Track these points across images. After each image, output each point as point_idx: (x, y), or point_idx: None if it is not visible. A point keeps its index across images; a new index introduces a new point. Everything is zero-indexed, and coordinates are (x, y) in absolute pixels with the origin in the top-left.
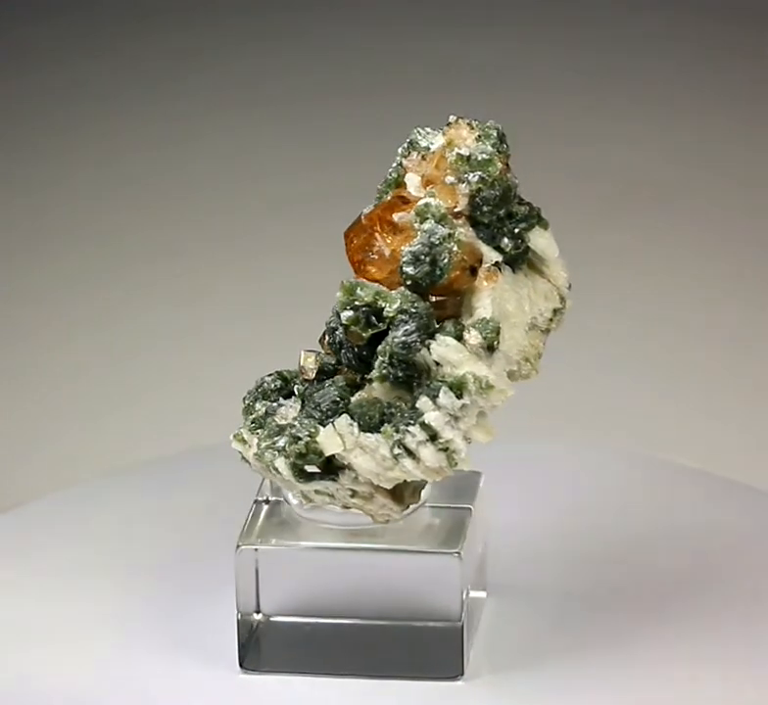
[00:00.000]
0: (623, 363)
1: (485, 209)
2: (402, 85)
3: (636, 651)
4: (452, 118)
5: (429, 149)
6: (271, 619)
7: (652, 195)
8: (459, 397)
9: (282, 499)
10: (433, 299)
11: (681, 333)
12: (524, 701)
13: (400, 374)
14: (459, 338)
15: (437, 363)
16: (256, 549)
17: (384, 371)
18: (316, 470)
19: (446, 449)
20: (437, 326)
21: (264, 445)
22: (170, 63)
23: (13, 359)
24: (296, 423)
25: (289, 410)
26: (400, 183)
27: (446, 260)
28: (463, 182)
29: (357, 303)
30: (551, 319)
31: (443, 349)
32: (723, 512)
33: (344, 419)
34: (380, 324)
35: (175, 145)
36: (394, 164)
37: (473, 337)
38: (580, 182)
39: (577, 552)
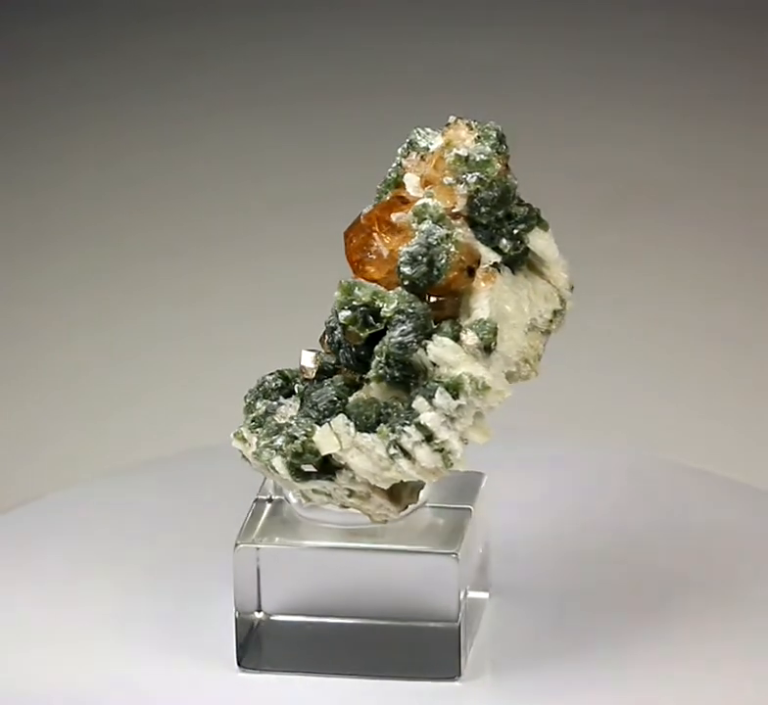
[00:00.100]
0: (623, 363)
1: (483, 210)
2: (402, 85)
3: (636, 652)
4: (451, 119)
5: (428, 149)
6: (270, 618)
7: (652, 195)
8: (456, 397)
9: (284, 498)
10: (432, 299)
11: (681, 333)
12: (521, 703)
13: (396, 374)
14: (457, 338)
15: (434, 364)
16: (257, 548)
17: (381, 371)
18: (313, 469)
19: (441, 450)
20: (435, 327)
21: (262, 443)
22: (170, 63)
23: (13, 359)
24: (293, 422)
25: (289, 409)
26: (399, 183)
27: (443, 261)
28: (462, 183)
29: (354, 302)
30: (551, 320)
31: (439, 349)
32: (723, 512)
33: (340, 419)
34: (378, 324)
35: (176, 145)
36: (393, 165)
37: (470, 338)
38: (580, 183)
39: (580, 553)
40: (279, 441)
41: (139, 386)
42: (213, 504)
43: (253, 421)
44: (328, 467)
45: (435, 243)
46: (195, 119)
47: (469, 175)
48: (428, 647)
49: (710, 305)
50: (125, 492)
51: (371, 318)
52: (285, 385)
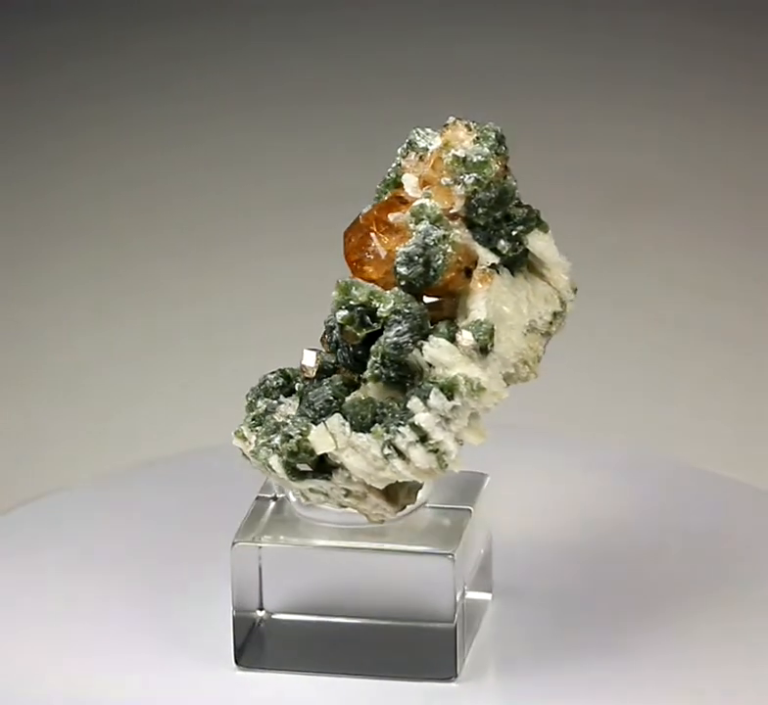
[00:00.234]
0: (623, 363)
1: (480, 210)
2: (403, 86)
3: (636, 652)
4: (450, 120)
5: (427, 150)
6: (271, 617)
7: (652, 195)
8: (450, 398)
9: (286, 497)
10: (429, 300)
11: (681, 333)
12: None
13: (392, 374)
14: (453, 339)
15: (429, 364)
16: (259, 547)
17: (376, 371)
18: (308, 469)
19: (436, 451)
20: (431, 327)
21: (260, 442)
22: (171, 65)
23: (13, 360)
24: (288, 421)
25: (288, 408)
26: (398, 183)
27: (440, 262)
28: (459, 184)
29: (351, 302)
30: (550, 322)
31: (435, 350)
32: (723, 512)
33: (336, 418)
34: (374, 324)
35: (176, 147)
36: (393, 165)
37: (466, 339)
38: (580, 183)
39: (581, 554)
40: (276, 440)
41: (139, 386)
42: (213, 504)
43: (253, 419)
44: (324, 466)
45: (432, 243)
46: (195, 121)
47: (467, 176)
48: (425, 648)
49: (710, 306)
50: (125, 492)
51: (368, 318)
52: (286, 384)
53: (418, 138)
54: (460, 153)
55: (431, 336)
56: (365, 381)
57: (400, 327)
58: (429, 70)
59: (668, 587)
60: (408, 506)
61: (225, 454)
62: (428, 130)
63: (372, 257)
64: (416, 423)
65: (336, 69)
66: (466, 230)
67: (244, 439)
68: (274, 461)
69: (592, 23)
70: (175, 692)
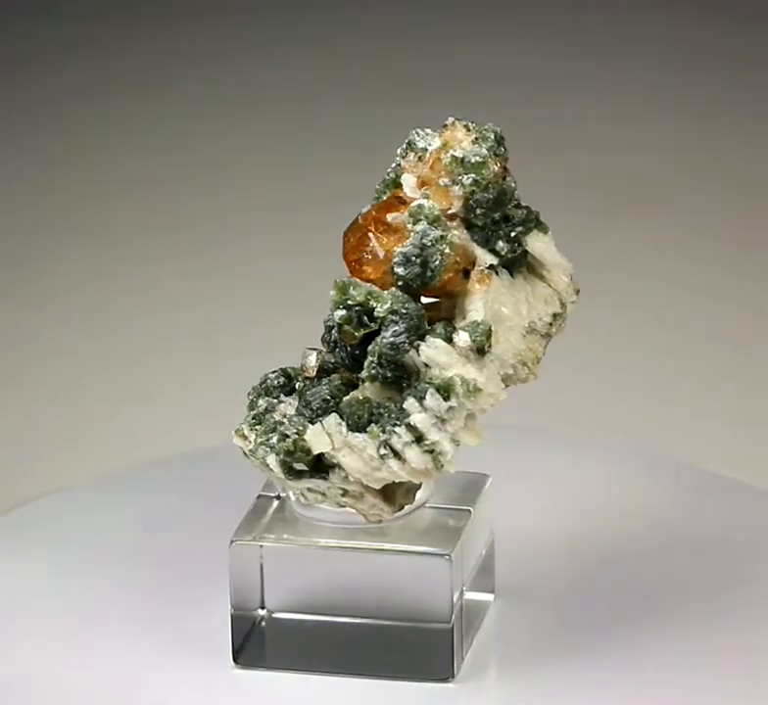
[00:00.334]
0: (623, 363)
1: (479, 211)
2: (404, 87)
3: (636, 653)
4: (449, 120)
5: (426, 150)
6: (268, 615)
7: (652, 195)
8: (446, 399)
9: (287, 496)
10: (428, 300)
11: (681, 333)
12: None
13: (388, 375)
14: (449, 340)
15: (426, 365)
16: (259, 546)
17: (373, 371)
18: (305, 468)
19: (432, 452)
20: (428, 328)
21: (259, 441)
22: (171, 66)
23: (14, 360)
24: (285, 420)
25: (288, 408)
26: (397, 183)
27: (437, 262)
28: (457, 184)
29: (349, 302)
30: (550, 324)
31: (432, 350)
32: (724, 512)
33: (333, 418)
34: (372, 324)
35: (177, 148)
36: (393, 165)
37: (462, 339)
38: (580, 184)
39: (583, 554)
40: (274, 439)
41: (139, 386)
42: (213, 504)
43: (253, 418)
44: (321, 466)
45: (429, 244)
46: (195, 122)
47: (465, 177)
48: (423, 648)
49: (710, 306)
50: (125, 492)
51: (366, 318)
52: (287, 383)
53: (418, 138)
54: (459, 153)
55: (428, 336)
56: (363, 381)
57: (396, 327)
58: (429, 70)
59: (669, 587)
60: (406, 506)
61: (225, 455)
62: (428, 131)
63: (370, 257)
64: (412, 423)
65: (336, 69)
66: (464, 231)
67: (244, 437)
68: (272, 460)
69: (592, 24)
70: (173, 691)
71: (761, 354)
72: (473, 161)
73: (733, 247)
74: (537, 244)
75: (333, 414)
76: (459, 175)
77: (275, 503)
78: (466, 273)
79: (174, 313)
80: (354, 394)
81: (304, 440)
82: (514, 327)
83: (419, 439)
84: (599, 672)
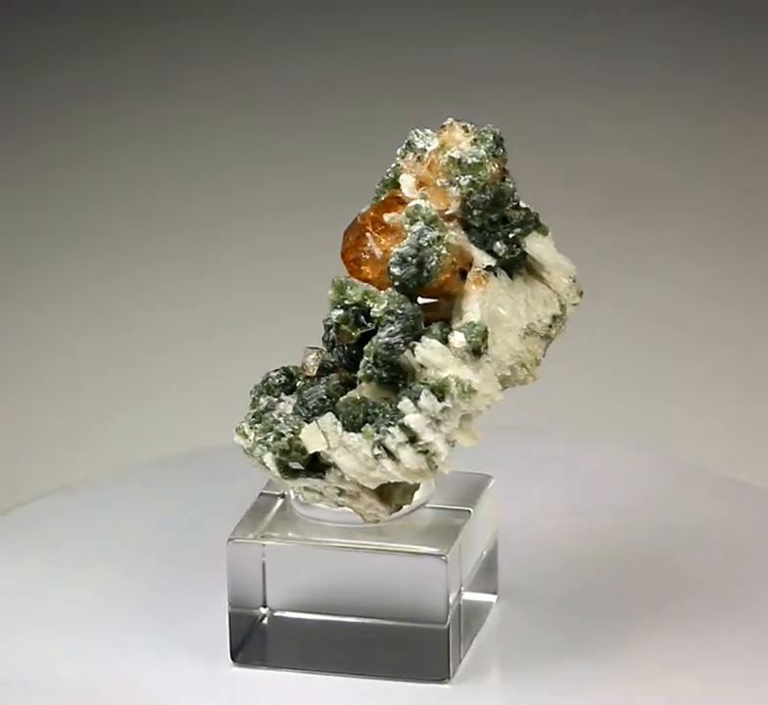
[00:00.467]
0: (624, 364)
1: (476, 212)
2: (405, 87)
3: (636, 654)
4: (447, 121)
5: (425, 150)
6: (270, 613)
7: (652, 195)
8: (441, 400)
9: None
10: (427, 301)
11: (681, 333)
12: None
13: (384, 375)
14: (445, 341)
15: (422, 365)
16: (258, 544)
17: (369, 371)
18: (300, 467)
19: (426, 452)
20: (425, 328)
21: (257, 439)
22: (171, 66)
23: (14, 360)
24: (281, 419)
25: (287, 406)
26: (397, 184)
27: (434, 263)
28: (454, 185)
29: (346, 302)
30: (550, 325)
31: (427, 351)
32: (724, 512)
33: (328, 417)
34: (369, 324)
35: (177, 148)
36: (392, 165)
37: (458, 340)
38: (580, 184)
39: (588, 556)
40: (271, 437)
41: (139, 386)
42: (213, 504)
43: (253, 417)
44: (317, 465)
45: (426, 245)
46: (195, 122)
47: (462, 178)
48: (419, 648)
49: (710, 306)
50: (125, 492)
51: (363, 318)
52: (288, 382)
53: (417, 139)
54: (456, 154)
55: (424, 337)
56: (360, 381)
57: (392, 327)
58: (430, 70)
59: (670, 587)
60: (405, 507)
61: (225, 455)
62: (427, 131)
63: (368, 256)
64: (406, 424)
65: (336, 69)
66: (462, 232)
67: (245, 436)
68: (268, 459)
69: (592, 24)
70: (172, 689)
71: (761, 354)
72: (470, 162)
73: (733, 247)
74: (536, 245)
75: (329, 414)
76: (457, 176)
77: (279, 502)
78: (463, 274)
79: (174, 313)
80: (351, 393)
81: (299, 439)
82: (512, 328)
83: (413, 439)
84: (599, 672)
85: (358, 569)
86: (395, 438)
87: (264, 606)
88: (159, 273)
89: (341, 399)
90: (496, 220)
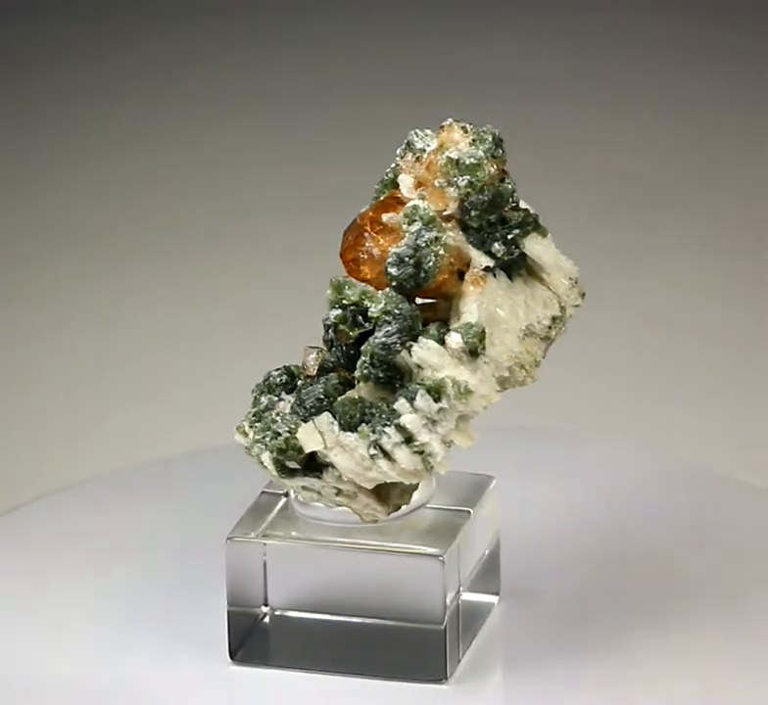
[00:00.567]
0: (624, 364)
1: (473, 213)
2: (405, 87)
3: (636, 654)
4: (446, 122)
5: (424, 151)
6: (269, 612)
7: (652, 196)
8: (437, 400)
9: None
10: (424, 301)
11: (681, 333)
12: None
13: (381, 375)
14: (442, 341)
15: (418, 366)
16: (257, 543)
17: (365, 371)
18: (297, 466)
19: (421, 453)
20: (422, 329)
21: (255, 438)
22: (171, 67)
23: (14, 361)
24: (278, 418)
25: (287, 405)
26: (396, 184)
27: (431, 263)
28: (452, 186)
29: (344, 302)
30: (550, 327)
31: (424, 352)
32: (724, 512)
33: (325, 417)
34: (367, 324)
35: (177, 149)
36: (392, 165)
37: (454, 341)
38: (580, 183)
39: (589, 556)
40: (268, 436)
41: (139, 386)
42: (213, 505)
43: (254, 415)
44: (315, 465)
45: (423, 245)
46: (196, 123)
47: (460, 178)
48: (416, 648)
49: (711, 306)
50: (126, 492)
51: (360, 318)
52: (290, 381)
53: (416, 139)
54: (454, 155)
55: (421, 337)
56: (358, 381)
57: (389, 328)
58: (431, 70)
59: (670, 587)
60: (404, 507)
61: (225, 455)
62: (427, 131)
63: (366, 256)
64: (402, 424)
65: (337, 70)
66: (460, 232)
67: (245, 434)
68: (266, 458)
69: (592, 25)
70: (171, 687)
71: (761, 355)
72: (468, 162)
73: (733, 247)
74: (535, 247)
75: (326, 413)
76: (455, 177)
77: (281, 501)
78: (461, 275)
79: (174, 313)
80: (349, 393)
81: (295, 438)
82: (511, 329)
83: (409, 440)
84: (599, 673)
85: (356, 568)
86: (391, 438)
87: (266, 605)
88: (159, 273)
89: (339, 398)
90: (494, 221)
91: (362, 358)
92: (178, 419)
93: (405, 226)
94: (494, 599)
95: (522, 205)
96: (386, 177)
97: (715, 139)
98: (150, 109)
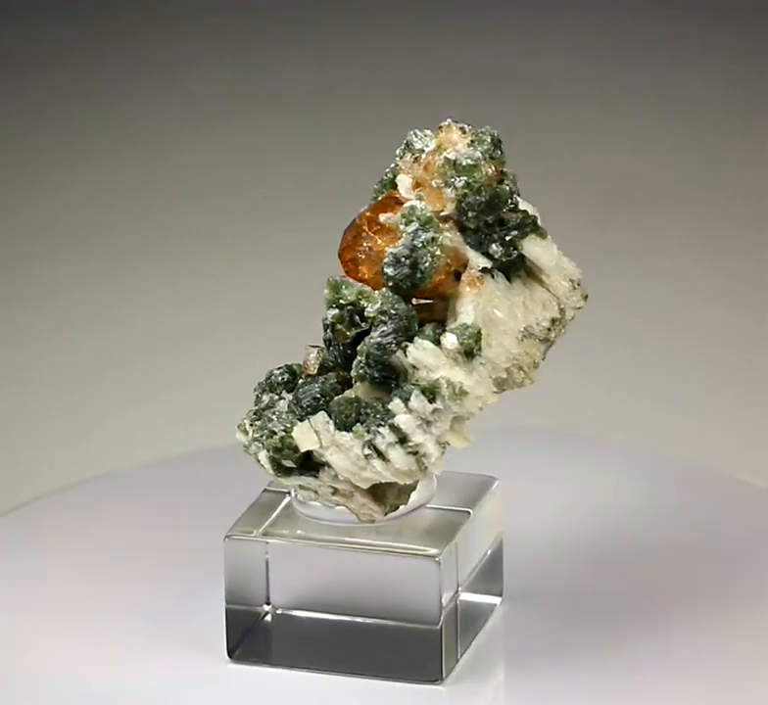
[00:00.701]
0: (624, 364)
1: (470, 214)
2: (405, 87)
3: (637, 654)
4: (444, 122)
5: (423, 151)
6: (271, 611)
7: (652, 196)
8: (432, 401)
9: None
10: (422, 301)
11: (681, 333)
12: None
13: (376, 375)
14: (438, 342)
15: (414, 366)
16: (259, 542)
17: (361, 371)
18: (293, 465)
19: (415, 453)
20: (418, 329)
21: (253, 436)
22: (170, 66)
23: (13, 360)
24: (274, 417)
25: (287, 404)
26: (395, 184)
27: (427, 264)
28: (450, 186)
29: (341, 301)
30: (549, 329)
31: (419, 352)
32: (725, 512)
33: (321, 416)
34: (363, 324)
35: (177, 149)
36: (391, 165)
37: (450, 342)
38: (580, 183)
39: (590, 557)
40: (264, 435)
41: (139, 386)
42: (213, 504)
43: (254, 414)
44: (311, 464)
45: (420, 245)
46: (196, 123)
47: (457, 179)
48: (413, 649)
49: (711, 306)
50: (125, 492)
51: (357, 318)
52: (291, 379)
53: (415, 139)
54: (452, 155)
55: (416, 338)
56: (355, 380)
57: (385, 328)
58: (431, 71)
59: (670, 587)
60: (402, 507)
61: (225, 455)
62: (426, 132)
63: (364, 256)
64: (396, 424)
65: (337, 70)
66: (457, 233)
67: (246, 432)
68: (263, 456)
69: (592, 25)
70: (170, 686)
71: (761, 355)
72: (465, 163)
73: (733, 247)
74: (534, 248)
75: (321, 412)
76: (452, 178)
77: (285, 500)
78: (458, 275)
79: (174, 313)
80: (346, 393)
81: (291, 437)
82: (509, 331)
83: (403, 440)
84: (599, 673)
85: (354, 568)
86: (385, 438)
87: (267, 603)
88: (159, 273)
89: (335, 398)
90: (492, 222)
91: (358, 358)
92: (178, 419)
93: (402, 226)
94: (496, 600)
95: (522, 206)
96: (385, 177)
97: (715, 139)
98: (150, 109)
